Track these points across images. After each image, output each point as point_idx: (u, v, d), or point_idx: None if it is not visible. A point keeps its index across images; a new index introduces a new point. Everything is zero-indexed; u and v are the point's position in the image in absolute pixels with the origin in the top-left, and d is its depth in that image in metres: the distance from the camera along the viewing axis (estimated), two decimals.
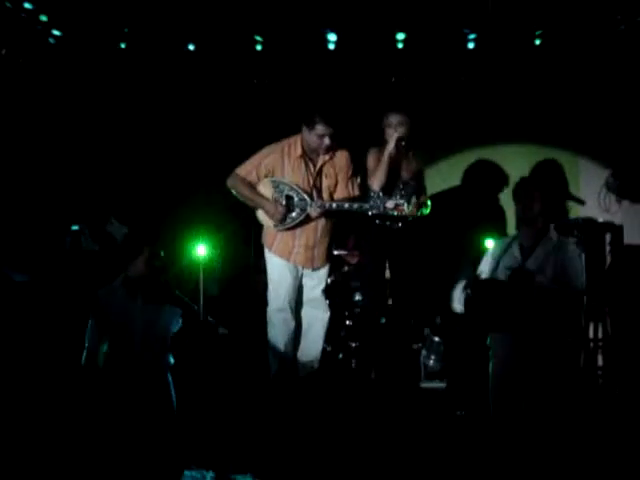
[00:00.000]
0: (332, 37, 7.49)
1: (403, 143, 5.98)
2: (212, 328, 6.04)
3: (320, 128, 5.67)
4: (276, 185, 5.78)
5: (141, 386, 5.28)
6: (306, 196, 5.75)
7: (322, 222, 5.81)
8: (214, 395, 5.67)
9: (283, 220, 5.76)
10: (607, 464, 5.07)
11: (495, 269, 5.42)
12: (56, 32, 7.35)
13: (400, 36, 7.45)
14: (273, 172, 5.81)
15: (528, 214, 5.32)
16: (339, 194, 5.86)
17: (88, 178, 7.61)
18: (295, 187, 5.77)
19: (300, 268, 5.82)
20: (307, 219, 5.79)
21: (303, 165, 5.80)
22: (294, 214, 5.78)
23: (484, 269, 5.54)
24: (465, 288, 5.32)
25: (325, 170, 5.84)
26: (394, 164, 5.98)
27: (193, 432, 5.27)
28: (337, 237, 6.13)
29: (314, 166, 5.83)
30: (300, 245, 5.78)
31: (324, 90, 7.32)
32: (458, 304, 5.43)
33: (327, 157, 5.82)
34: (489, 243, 7.08)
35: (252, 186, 5.82)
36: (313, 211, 5.73)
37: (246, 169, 5.85)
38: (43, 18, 7.11)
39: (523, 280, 5.15)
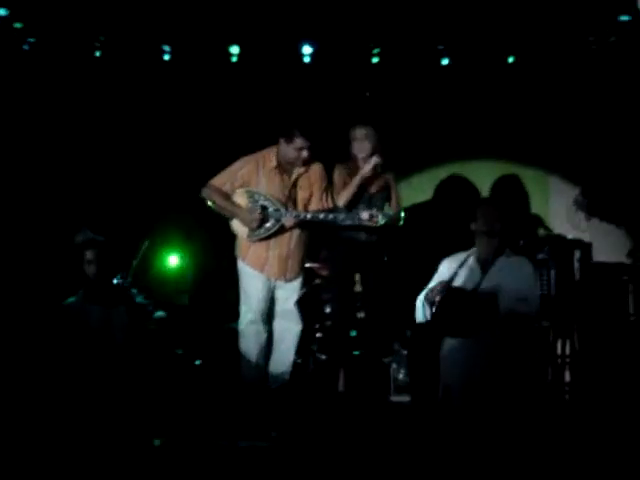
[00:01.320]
0: (307, 50, 7.53)
1: (379, 170, 6.03)
2: (148, 313, 6.17)
3: (299, 141, 5.71)
4: (251, 195, 5.80)
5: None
6: (281, 206, 5.78)
7: (296, 233, 5.83)
8: (184, 405, 5.67)
9: (258, 229, 5.77)
10: None
11: (451, 282, 5.46)
12: (31, 39, 7.33)
13: (375, 50, 7.51)
14: (248, 183, 5.83)
15: (490, 231, 5.39)
16: (314, 206, 5.89)
17: (60, 186, 7.57)
18: (270, 198, 5.79)
19: (273, 280, 5.83)
20: (281, 229, 5.80)
21: (278, 177, 5.83)
22: (269, 224, 5.79)
23: (439, 281, 5.57)
24: (428, 302, 5.37)
25: (300, 182, 5.88)
26: (363, 181, 6.03)
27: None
28: (309, 249, 6.14)
29: (289, 178, 5.86)
30: (274, 257, 5.79)
31: (302, 103, 7.35)
32: (420, 315, 5.48)
33: (302, 170, 5.85)
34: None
35: (227, 196, 5.84)
36: (287, 221, 5.75)
37: (221, 180, 5.86)
38: (17, 25, 7.08)
39: (486, 298, 5.22)
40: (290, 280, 5.85)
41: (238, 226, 5.84)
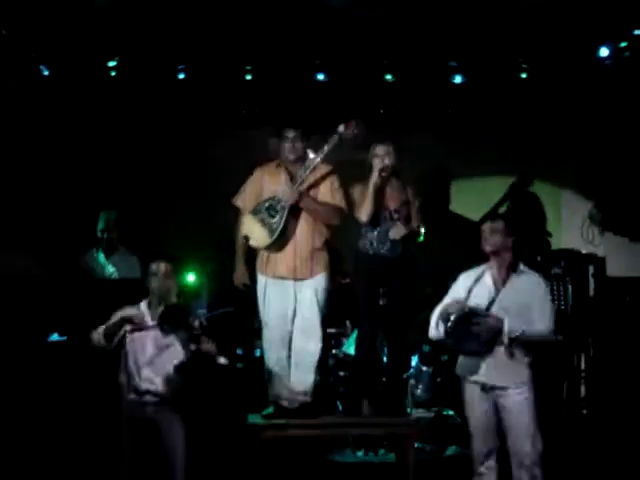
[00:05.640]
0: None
1: (384, 174, 5.98)
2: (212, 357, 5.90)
3: (287, 132, 5.65)
4: (254, 212, 5.70)
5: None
6: (280, 192, 5.65)
7: (301, 223, 5.69)
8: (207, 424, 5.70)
9: (271, 225, 5.60)
10: None
11: (467, 299, 5.45)
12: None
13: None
14: (260, 193, 5.73)
15: (493, 250, 5.38)
16: (322, 199, 5.77)
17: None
18: (269, 195, 5.68)
19: (298, 282, 5.76)
20: (292, 210, 5.62)
21: (283, 174, 5.74)
22: (277, 216, 5.61)
23: (455, 298, 5.54)
24: (443, 320, 5.33)
25: (309, 179, 5.74)
26: (379, 195, 6.01)
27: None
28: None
29: (293, 179, 5.72)
30: (292, 256, 5.64)
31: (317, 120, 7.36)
32: (434, 331, 5.42)
33: (308, 172, 5.69)
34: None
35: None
36: (284, 194, 5.60)
37: (239, 201, 5.83)
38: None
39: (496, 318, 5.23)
40: (314, 276, 5.72)
41: (258, 240, 5.68)
